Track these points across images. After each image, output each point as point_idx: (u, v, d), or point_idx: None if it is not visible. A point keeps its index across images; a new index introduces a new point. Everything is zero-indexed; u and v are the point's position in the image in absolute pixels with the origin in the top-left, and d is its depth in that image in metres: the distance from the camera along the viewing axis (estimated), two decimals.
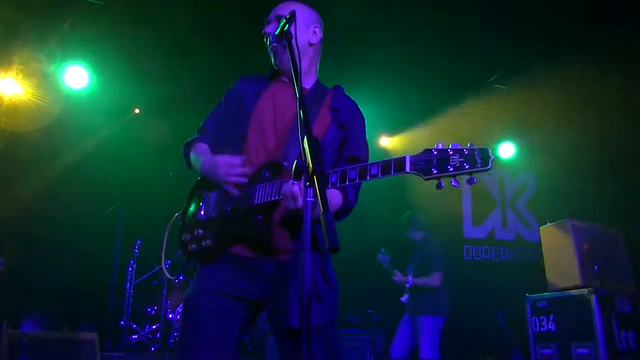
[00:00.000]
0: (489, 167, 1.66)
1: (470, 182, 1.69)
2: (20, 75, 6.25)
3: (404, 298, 5.67)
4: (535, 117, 7.26)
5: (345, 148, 2.17)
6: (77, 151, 6.48)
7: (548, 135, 7.55)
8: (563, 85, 6.54)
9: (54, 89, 6.31)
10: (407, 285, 5.60)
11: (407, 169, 1.72)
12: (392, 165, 1.74)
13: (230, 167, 2.00)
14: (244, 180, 2.00)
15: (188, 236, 2.09)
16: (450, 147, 1.71)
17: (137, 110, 6.88)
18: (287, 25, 1.94)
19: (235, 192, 2.01)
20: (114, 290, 6.09)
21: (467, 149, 1.69)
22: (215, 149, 2.19)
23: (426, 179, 1.71)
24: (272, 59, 2.23)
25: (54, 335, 4.21)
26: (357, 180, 1.79)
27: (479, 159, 1.67)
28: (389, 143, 7.93)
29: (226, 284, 1.98)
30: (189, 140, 2.30)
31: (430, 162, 1.70)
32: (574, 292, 4.29)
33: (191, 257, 2.08)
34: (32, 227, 6.12)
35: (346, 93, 2.33)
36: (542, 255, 4.86)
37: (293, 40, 1.91)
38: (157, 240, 5.41)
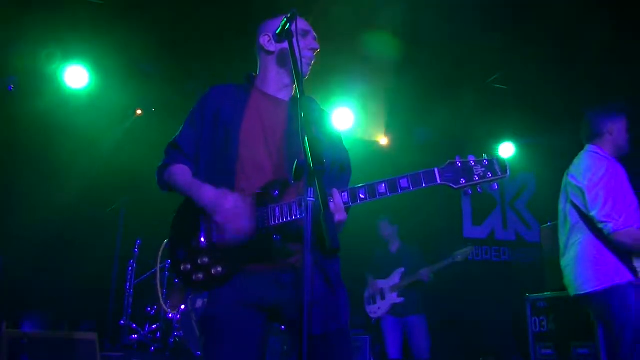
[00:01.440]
0: (507, 174, 1.89)
1: (491, 188, 1.91)
2: (20, 75, 6.25)
3: (400, 299, 5.71)
4: (535, 117, 7.26)
5: (332, 157, 2.15)
6: (77, 151, 6.47)
7: (548, 135, 7.55)
8: (563, 85, 6.54)
9: (54, 89, 6.31)
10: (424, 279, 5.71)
11: (438, 181, 1.88)
12: (422, 177, 1.88)
13: (237, 217, 1.91)
14: (234, 238, 1.91)
15: (189, 266, 1.96)
16: (468, 158, 1.91)
17: (139, 112, 6.87)
18: (288, 24, 1.91)
19: (228, 238, 1.92)
20: (114, 290, 6.07)
21: (486, 160, 1.91)
22: (204, 172, 2.09)
23: (456, 189, 1.89)
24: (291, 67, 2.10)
25: (54, 335, 4.20)
26: (387, 195, 1.88)
27: (497, 167, 1.90)
28: (388, 143, 7.91)
29: (244, 295, 1.93)
30: (164, 161, 2.16)
31: (457, 173, 1.89)
32: None
33: (197, 287, 1.97)
34: (31, 227, 6.11)
35: (340, 92, 2.34)
36: (542, 256, 4.86)
37: (294, 39, 1.89)
38: (157, 239, 5.44)
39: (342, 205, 1.87)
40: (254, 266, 1.95)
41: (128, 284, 5.91)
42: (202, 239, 1.98)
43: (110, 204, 6.28)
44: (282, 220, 1.90)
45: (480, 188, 1.91)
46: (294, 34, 1.90)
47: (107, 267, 6.17)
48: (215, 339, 1.90)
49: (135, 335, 5.70)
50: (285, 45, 2.02)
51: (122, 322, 5.73)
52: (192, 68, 6.35)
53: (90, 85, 6.33)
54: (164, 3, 5.38)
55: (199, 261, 1.95)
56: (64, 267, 5.99)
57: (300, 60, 1.90)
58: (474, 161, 1.91)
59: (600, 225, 3.04)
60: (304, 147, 1.62)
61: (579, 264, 3.16)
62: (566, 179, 3.36)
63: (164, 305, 5.35)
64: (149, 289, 6.00)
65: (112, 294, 6.06)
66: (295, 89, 1.94)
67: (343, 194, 1.89)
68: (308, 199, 1.56)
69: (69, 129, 6.26)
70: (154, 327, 5.77)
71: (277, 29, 1.96)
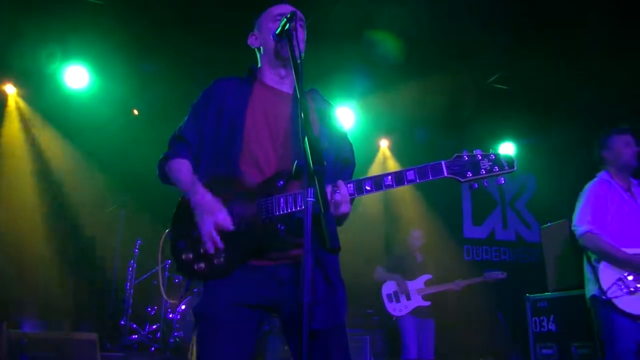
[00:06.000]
0: (514, 168, 1.90)
1: (498, 182, 1.93)
2: (21, 76, 6.25)
3: (427, 303, 5.79)
4: (535, 117, 7.26)
5: (336, 150, 2.15)
6: (77, 151, 6.47)
7: (548, 135, 7.55)
8: (563, 85, 6.54)
9: (54, 89, 6.31)
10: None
11: (445, 174, 1.89)
12: (429, 170, 1.88)
13: (218, 227, 1.89)
14: (210, 249, 1.89)
15: (190, 255, 1.94)
16: (475, 152, 1.92)
17: (135, 112, 6.87)
18: (287, 25, 1.91)
19: (209, 248, 1.90)
20: (114, 290, 6.08)
21: (492, 154, 1.93)
22: (206, 165, 2.08)
23: (463, 182, 1.90)
24: (277, 51, 2.11)
25: (54, 335, 4.21)
26: (393, 186, 1.87)
27: (505, 162, 1.92)
28: (388, 144, 7.91)
29: (241, 293, 1.91)
30: (166, 153, 2.16)
31: (464, 167, 1.90)
32: (574, 292, 4.29)
33: (196, 276, 1.95)
34: (32, 227, 6.11)
35: (340, 92, 2.33)
36: (542, 256, 4.87)
37: (294, 40, 1.89)
38: (157, 239, 5.44)
39: (347, 196, 1.86)
40: (255, 261, 1.94)
41: (128, 284, 5.91)
42: None
43: (110, 204, 6.28)
44: (287, 210, 1.89)
45: (486, 182, 1.92)
46: (293, 35, 1.90)
47: (107, 268, 6.18)
48: (211, 339, 1.89)
49: (136, 336, 5.71)
50: (269, 41, 2.11)
51: (122, 322, 5.73)
52: (193, 68, 6.35)
53: (90, 86, 6.33)
54: (164, 3, 5.38)
55: (201, 250, 1.92)
56: (64, 268, 5.99)
57: (298, 56, 1.86)
58: (481, 155, 1.92)
59: (573, 229, 3.47)
60: (304, 148, 1.61)
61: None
62: None
63: (164, 295, 5.36)
64: (149, 289, 6.01)
65: (112, 294, 6.06)
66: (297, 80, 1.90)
67: (349, 185, 1.88)
68: (308, 199, 1.55)
69: (69, 129, 6.26)
70: (154, 327, 5.77)
71: (276, 29, 1.98)
